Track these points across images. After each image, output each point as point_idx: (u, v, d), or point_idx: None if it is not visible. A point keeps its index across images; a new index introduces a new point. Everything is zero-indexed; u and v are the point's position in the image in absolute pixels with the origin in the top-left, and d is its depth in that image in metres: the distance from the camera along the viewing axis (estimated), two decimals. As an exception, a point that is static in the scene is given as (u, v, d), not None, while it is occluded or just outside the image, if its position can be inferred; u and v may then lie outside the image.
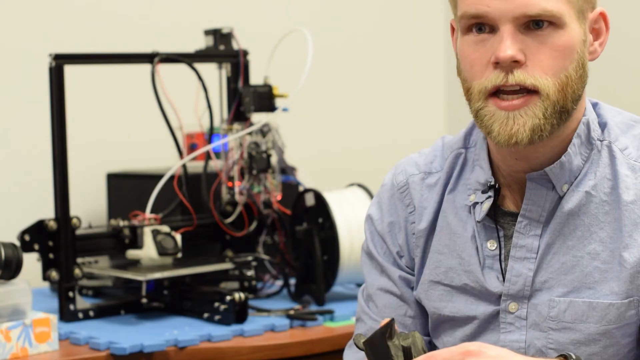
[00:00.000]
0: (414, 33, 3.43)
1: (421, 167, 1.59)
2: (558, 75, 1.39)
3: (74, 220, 2.25)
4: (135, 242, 2.33)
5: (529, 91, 1.39)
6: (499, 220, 1.50)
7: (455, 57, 1.48)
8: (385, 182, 1.62)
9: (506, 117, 1.39)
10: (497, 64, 1.38)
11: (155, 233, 2.29)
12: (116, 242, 2.34)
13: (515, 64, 1.38)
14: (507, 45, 1.37)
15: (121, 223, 2.33)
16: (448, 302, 1.53)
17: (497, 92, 1.40)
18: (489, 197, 1.49)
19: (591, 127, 1.47)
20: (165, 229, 2.31)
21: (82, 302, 2.27)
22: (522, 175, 1.47)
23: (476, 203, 1.50)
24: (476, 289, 1.50)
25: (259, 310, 2.27)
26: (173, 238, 2.30)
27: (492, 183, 1.49)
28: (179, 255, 2.30)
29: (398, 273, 1.58)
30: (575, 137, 1.46)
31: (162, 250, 2.27)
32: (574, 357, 1.33)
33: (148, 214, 2.33)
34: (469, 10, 1.40)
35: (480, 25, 1.41)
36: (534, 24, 1.38)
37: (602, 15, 1.46)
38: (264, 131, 2.44)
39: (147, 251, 2.29)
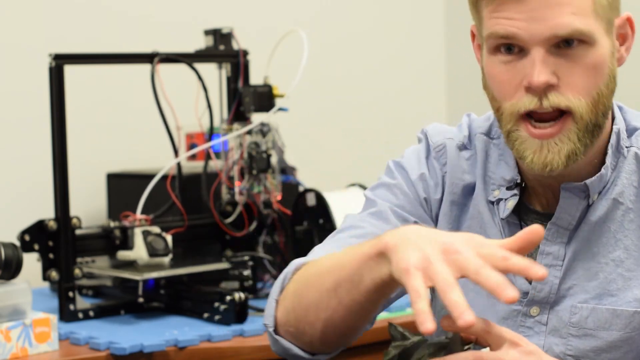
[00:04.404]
0: (414, 32, 3.43)
1: (458, 137, 1.56)
2: (591, 94, 1.37)
3: (74, 220, 2.25)
4: (126, 243, 2.33)
5: (562, 112, 1.37)
6: (522, 217, 1.48)
7: (478, 66, 1.46)
8: (410, 149, 1.58)
9: (540, 145, 1.37)
10: (529, 88, 1.36)
11: (146, 234, 2.28)
12: (107, 243, 2.34)
13: (548, 87, 1.35)
14: (540, 70, 1.35)
15: (112, 224, 2.33)
16: (470, 291, 1.50)
17: (529, 115, 1.38)
18: (515, 194, 1.47)
19: (621, 136, 1.46)
20: (155, 229, 2.31)
21: (82, 302, 2.27)
22: (549, 181, 1.45)
23: (500, 199, 1.49)
24: None
25: (259, 310, 2.27)
26: (164, 239, 2.29)
27: (519, 181, 1.48)
28: (170, 256, 2.30)
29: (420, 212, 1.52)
30: (609, 148, 1.44)
31: (152, 251, 2.27)
32: None
33: (139, 214, 2.32)
34: (498, 31, 1.37)
35: (509, 45, 1.38)
36: (564, 43, 1.35)
37: (629, 20, 1.44)
38: (264, 131, 2.44)
39: (138, 252, 2.28)
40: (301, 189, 2.50)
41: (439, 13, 3.44)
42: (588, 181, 1.43)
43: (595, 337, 1.43)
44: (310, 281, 1.37)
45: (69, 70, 2.28)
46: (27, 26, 2.75)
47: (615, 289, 1.43)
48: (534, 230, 1.16)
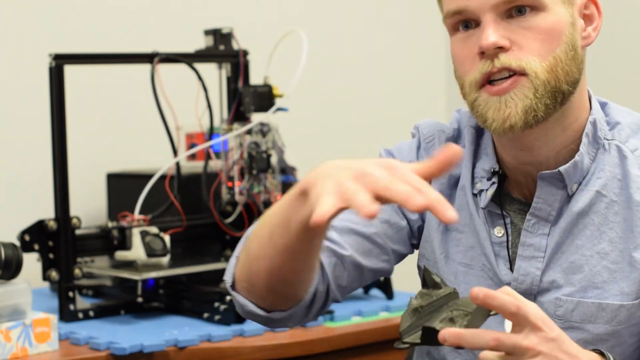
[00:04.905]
0: (414, 31, 3.43)
1: (448, 130, 1.57)
2: (545, 57, 1.38)
3: (74, 220, 2.25)
4: (124, 243, 2.33)
5: (517, 74, 1.38)
6: (505, 207, 1.49)
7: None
8: (402, 143, 1.60)
9: (498, 102, 1.38)
10: (482, 54, 1.39)
11: (144, 234, 2.28)
12: (105, 243, 2.34)
13: (499, 50, 1.38)
14: (490, 32, 1.37)
15: (110, 224, 2.33)
16: (461, 282, 1.51)
17: (489, 82, 1.40)
18: (493, 183, 1.48)
19: (598, 127, 1.46)
20: (153, 230, 2.30)
21: (82, 302, 2.27)
22: (528, 168, 1.46)
23: (481, 190, 1.50)
24: (491, 272, 1.49)
25: (259, 310, 2.27)
26: (162, 239, 2.29)
27: (497, 169, 1.48)
28: (168, 256, 2.30)
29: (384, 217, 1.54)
30: (584, 136, 1.45)
31: (150, 252, 2.27)
32: (611, 357, 1.32)
33: (137, 214, 2.32)
34: (450, 8, 1.42)
35: (466, 22, 1.42)
36: (516, 11, 1.39)
37: (593, 1, 1.46)
38: (264, 131, 2.44)
39: (136, 252, 2.28)
40: (301, 188, 2.50)
41: (439, 12, 3.43)
42: (562, 169, 1.43)
43: (582, 330, 1.43)
44: (254, 234, 1.41)
45: (69, 70, 2.28)
46: (27, 26, 2.75)
47: (601, 281, 1.43)
48: (450, 148, 1.17)
